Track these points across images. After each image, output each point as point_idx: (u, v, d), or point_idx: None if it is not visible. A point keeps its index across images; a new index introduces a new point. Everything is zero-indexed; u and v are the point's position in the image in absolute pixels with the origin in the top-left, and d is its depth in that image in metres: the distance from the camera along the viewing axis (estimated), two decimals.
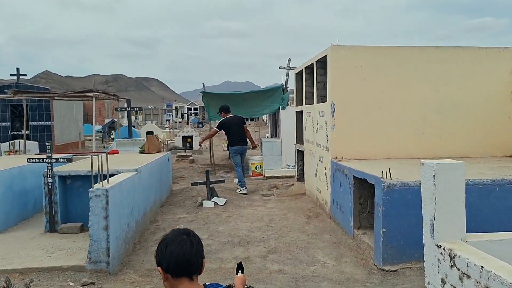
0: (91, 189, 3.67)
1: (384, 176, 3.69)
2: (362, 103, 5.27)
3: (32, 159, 4.76)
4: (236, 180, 8.18)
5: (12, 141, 10.67)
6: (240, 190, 7.24)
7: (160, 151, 7.13)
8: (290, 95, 9.66)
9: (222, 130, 7.82)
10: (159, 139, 7.06)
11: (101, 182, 3.76)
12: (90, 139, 23.94)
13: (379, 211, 3.69)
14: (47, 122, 14.29)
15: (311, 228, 5.03)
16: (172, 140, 18.84)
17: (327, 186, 5.52)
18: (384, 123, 5.28)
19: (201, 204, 6.11)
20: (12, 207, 5.09)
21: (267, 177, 9.21)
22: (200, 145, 8.65)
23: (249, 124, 32.40)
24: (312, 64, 6.37)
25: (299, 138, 7.91)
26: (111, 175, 4.57)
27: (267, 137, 12.99)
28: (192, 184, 6.42)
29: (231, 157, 7.98)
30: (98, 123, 34.59)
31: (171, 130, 23.19)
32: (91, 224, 3.66)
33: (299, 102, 7.86)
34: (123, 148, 8.18)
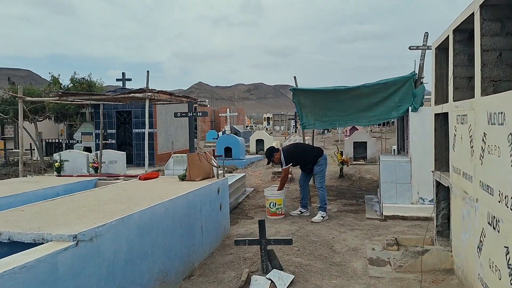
0: None
1: None
2: None
3: None
4: (319, 215, 5.96)
5: (97, 152, 9.80)
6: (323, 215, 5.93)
7: (208, 177, 4.72)
8: (427, 96, 6.24)
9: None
10: (209, 160, 4.66)
11: None
12: (210, 147, 23.29)
13: None
14: (150, 130, 13.49)
15: None
16: None
17: None
18: None
19: (246, 282, 3.43)
20: None
21: (386, 217, 5.98)
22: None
23: (381, 130, 27.40)
24: (472, 17, 3.11)
25: (440, 161, 4.58)
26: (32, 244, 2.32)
27: (394, 150, 9.47)
28: (237, 242, 3.77)
29: (322, 172, 6.19)
30: (223, 129, 34.70)
31: (286, 138, 20.90)
32: None
33: (440, 98, 4.55)
34: (180, 168, 6.06)
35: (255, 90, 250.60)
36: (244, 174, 8.38)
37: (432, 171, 4.65)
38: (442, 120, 4.47)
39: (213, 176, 4.77)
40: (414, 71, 6.31)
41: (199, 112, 6.13)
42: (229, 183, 7.31)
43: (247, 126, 44.21)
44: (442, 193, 4.59)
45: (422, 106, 6.11)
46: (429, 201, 6.16)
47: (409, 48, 6.31)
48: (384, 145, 12.96)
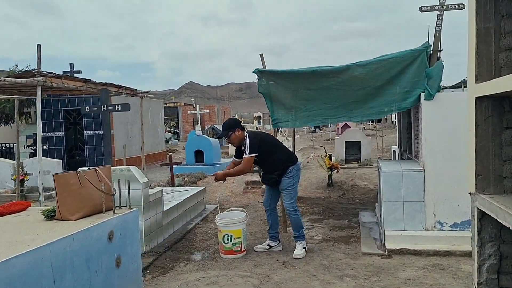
0: None
1: None
2: None
3: None
4: (300, 248, 4.24)
5: (23, 160, 7.89)
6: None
7: (99, 211, 2.82)
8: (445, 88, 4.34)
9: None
10: (99, 183, 2.76)
11: None
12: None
13: None
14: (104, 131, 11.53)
15: None
16: None
17: None
18: None
19: None
20: None
21: (390, 252, 4.14)
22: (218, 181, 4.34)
23: (374, 127, 25.15)
24: None
25: (486, 178, 2.69)
26: None
27: (395, 152, 7.60)
28: None
29: (294, 188, 4.28)
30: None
31: None
32: None
33: (486, 72, 2.65)
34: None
35: (247, 89, 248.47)
36: (204, 187, 6.50)
37: (470, 194, 2.80)
38: (489, 107, 2.62)
39: (110, 210, 2.88)
40: (428, 41, 4.47)
41: (117, 105, 4.23)
42: (177, 202, 5.45)
43: None
44: (489, 230, 2.74)
45: (439, 91, 4.29)
46: (449, 226, 4.36)
47: (420, 9, 4.47)
48: (381, 145, 11.12)
